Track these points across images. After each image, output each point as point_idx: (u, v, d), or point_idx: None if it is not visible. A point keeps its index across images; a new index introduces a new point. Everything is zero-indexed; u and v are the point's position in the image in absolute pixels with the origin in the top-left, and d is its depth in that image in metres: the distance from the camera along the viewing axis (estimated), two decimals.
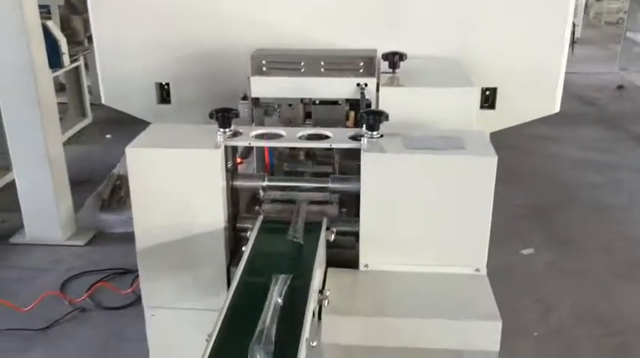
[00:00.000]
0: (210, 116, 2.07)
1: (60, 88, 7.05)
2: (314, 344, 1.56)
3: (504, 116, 2.96)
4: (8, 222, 4.62)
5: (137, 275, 3.74)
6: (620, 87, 8.34)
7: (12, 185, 4.70)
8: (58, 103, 6.65)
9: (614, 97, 8.09)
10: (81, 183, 5.01)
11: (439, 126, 2.23)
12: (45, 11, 6.09)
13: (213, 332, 1.51)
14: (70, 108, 7.10)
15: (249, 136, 2.10)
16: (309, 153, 2.47)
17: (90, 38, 6.81)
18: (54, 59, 5.34)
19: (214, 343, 1.47)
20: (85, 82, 7.14)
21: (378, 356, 1.89)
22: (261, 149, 2.40)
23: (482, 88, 2.90)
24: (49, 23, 5.58)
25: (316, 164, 2.44)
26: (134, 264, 4.06)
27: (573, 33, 10.08)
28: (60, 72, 6.36)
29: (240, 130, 2.12)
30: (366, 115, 2.04)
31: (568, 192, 5.33)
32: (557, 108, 2.94)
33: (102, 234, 4.50)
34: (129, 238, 4.42)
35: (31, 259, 4.19)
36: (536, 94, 2.92)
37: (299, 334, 1.48)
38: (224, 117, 2.06)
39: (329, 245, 2.05)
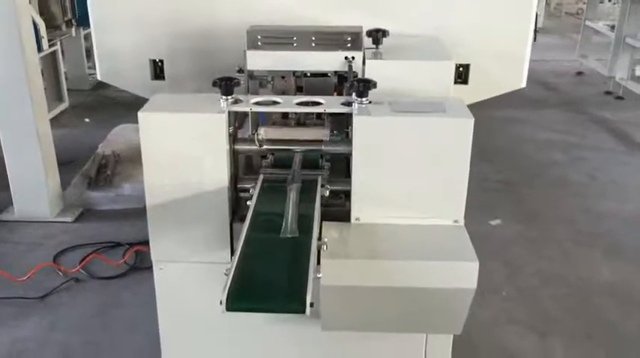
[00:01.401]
0: (214, 84, 2.26)
1: None
2: (319, 275, 1.78)
3: (476, 90, 3.20)
4: None
5: (129, 247, 3.97)
6: (580, 73, 8.74)
7: None
8: None
9: (574, 83, 8.48)
10: (65, 164, 5.10)
11: (420, 96, 2.47)
12: None
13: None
14: (48, 93, 7.12)
15: (249, 103, 2.30)
16: (300, 121, 2.68)
17: (67, 23, 6.91)
18: None
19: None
20: (62, 67, 7.19)
21: (370, 296, 2.12)
22: (255, 119, 2.60)
23: (456, 64, 3.14)
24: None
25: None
26: (124, 238, 4.27)
27: (536, 22, 10.49)
28: (38, 56, 6.40)
29: (241, 98, 2.32)
30: (356, 83, 2.26)
31: (534, 169, 5.65)
32: (523, 84, 3.21)
33: (89, 211, 4.64)
34: (116, 215, 4.64)
35: (22, 235, 4.31)
36: (505, 70, 3.18)
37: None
38: (227, 85, 2.25)
39: (322, 203, 2.27)
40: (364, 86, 2.25)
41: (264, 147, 2.36)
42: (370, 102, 2.26)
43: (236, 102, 2.29)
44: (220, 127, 2.21)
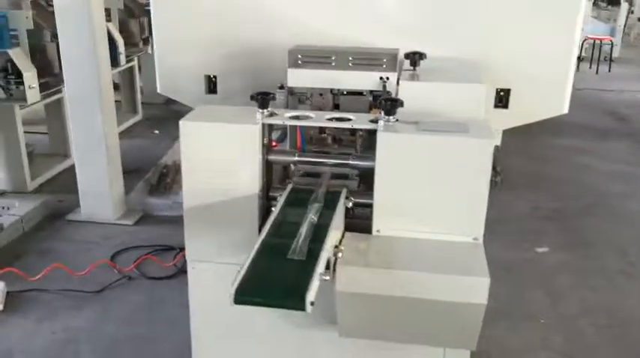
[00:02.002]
0: (252, 98, 2.43)
1: (114, 86, 7.59)
2: (327, 277, 1.89)
3: (517, 115, 3.24)
4: (65, 202, 5.09)
5: (179, 251, 4.21)
6: None
7: (68, 170, 5.18)
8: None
9: None
10: (131, 172, 5.47)
11: (451, 116, 2.55)
12: (105, 14, 6.61)
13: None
14: (123, 106, 7.63)
15: (284, 117, 2.46)
16: (336, 138, 2.82)
17: (144, 41, 7.37)
18: (112, 58, 5.83)
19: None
20: (138, 81, 7.65)
21: (383, 305, 2.21)
22: (293, 134, 2.76)
23: (497, 89, 3.20)
24: (109, 25, 6.07)
25: (341, 147, 2.78)
26: (177, 242, 4.52)
27: (611, 52, 10.23)
28: (116, 71, 6.88)
29: (276, 112, 2.48)
30: (384, 102, 2.38)
31: (592, 199, 5.53)
32: (565, 110, 3.21)
33: (148, 216, 4.93)
34: (172, 220, 4.91)
35: (86, 234, 4.64)
36: (546, 96, 3.21)
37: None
38: (263, 99, 2.42)
39: (349, 215, 2.39)
40: (391, 105, 2.36)
41: (296, 158, 2.51)
42: (397, 120, 2.37)
43: (271, 115, 2.45)
44: (254, 138, 2.38)
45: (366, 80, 2.73)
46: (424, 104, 2.62)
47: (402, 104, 2.37)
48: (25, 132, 5.36)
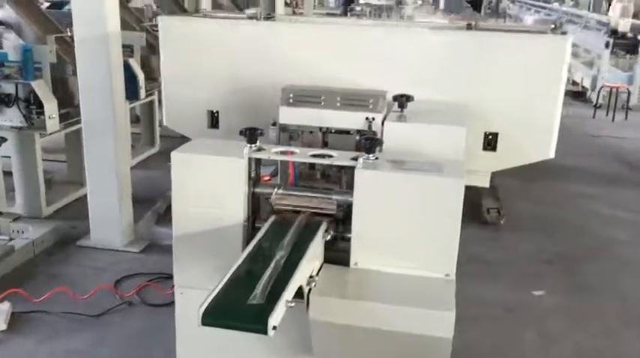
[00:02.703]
0: (241, 133, 2.59)
1: (135, 119, 7.86)
2: (292, 304, 1.99)
3: (505, 158, 3.35)
4: (77, 228, 5.27)
5: None
6: None
7: (84, 198, 5.36)
8: (133, 133, 7.44)
9: None
10: (143, 201, 5.64)
11: (431, 156, 2.67)
12: (128, 50, 6.90)
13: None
14: (142, 138, 7.87)
15: (270, 152, 2.60)
16: (325, 173, 2.95)
17: None
18: (132, 92, 6.07)
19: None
20: (157, 115, 7.91)
21: (356, 335, 2.30)
22: (285, 169, 2.90)
23: (485, 132, 3.32)
24: (131, 60, 6.34)
25: (329, 183, 2.91)
26: None
27: (628, 100, 10.30)
28: (137, 104, 7.15)
29: (264, 147, 2.63)
30: (364, 141, 2.51)
31: (594, 245, 5.53)
32: (552, 155, 3.31)
33: (155, 245, 5.07)
34: None
35: (93, 259, 4.79)
36: (533, 141, 3.32)
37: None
38: (251, 134, 2.58)
39: (331, 248, 2.50)
40: (371, 144, 2.49)
41: (281, 191, 2.64)
42: (377, 158, 2.50)
43: (259, 150, 2.60)
44: (240, 171, 2.52)
45: (352, 120, 2.88)
46: (407, 144, 2.75)
47: (381, 143, 2.50)
48: (45, 160, 5.58)
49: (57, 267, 4.67)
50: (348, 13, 14.17)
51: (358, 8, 15.14)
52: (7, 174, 5.21)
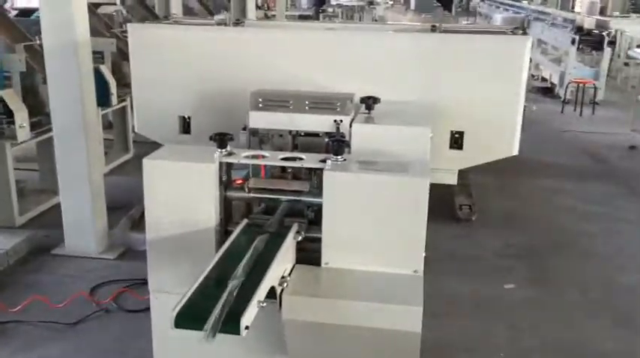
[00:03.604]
0: (210, 138, 2.64)
1: (108, 125, 7.84)
2: (264, 304, 2.05)
3: (471, 156, 3.45)
4: (51, 237, 5.25)
5: None
6: (633, 147, 8.65)
7: (57, 206, 5.34)
8: (106, 139, 7.41)
9: (625, 156, 8.40)
10: (118, 208, 5.63)
11: (398, 157, 2.75)
12: (99, 56, 6.88)
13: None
14: (116, 144, 7.84)
15: (240, 156, 2.65)
16: (296, 176, 3.00)
17: None
18: (104, 99, 6.07)
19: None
20: (130, 121, 7.89)
21: (327, 333, 2.36)
22: (257, 173, 2.95)
23: (451, 131, 3.42)
24: (102, 67, 6.34)
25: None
26: None
27: (595, 95, 10.58)
28: (109, 110, 7.12)
29: (234, 151, 2.68)
30: (331, 143, 2.58)
31: (562, 238, 5.67)
32: (515, 152, 3.42)
33: (130, 251, 5.07)
34: None
35: (68, 267, 4.78)
36: (497, 139, 3.42)
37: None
38: (221, 139, 2.63)
39: (304, 248, 2.56)
40: (338, 145, 2.56)
41: (252, 195, 2.69)
42: (345, 160, 2.56)
43: (229, 154, 2.65)
44: (211, 176, 2.57)
45: (321, 122, 2.95)
46: (375, 145, 2.82)
47: (348, 145, 2.57)
48: (17, 169, 5.55)
49: (32, 276, 4.65)
50: (320, 15, 14.27)
51: (330, 9, 15.26)
52: None
